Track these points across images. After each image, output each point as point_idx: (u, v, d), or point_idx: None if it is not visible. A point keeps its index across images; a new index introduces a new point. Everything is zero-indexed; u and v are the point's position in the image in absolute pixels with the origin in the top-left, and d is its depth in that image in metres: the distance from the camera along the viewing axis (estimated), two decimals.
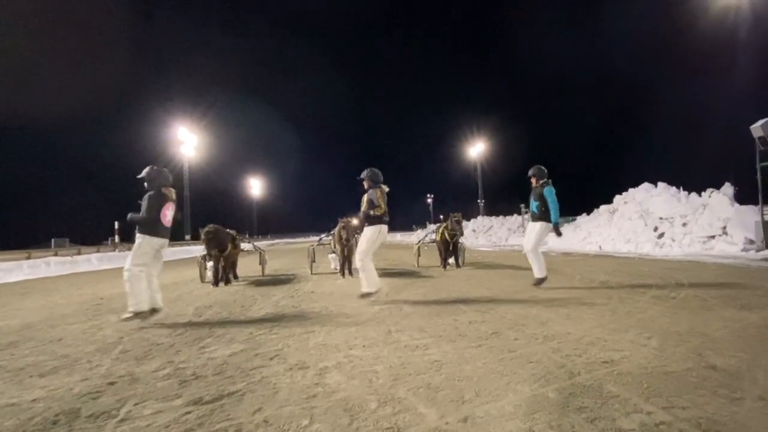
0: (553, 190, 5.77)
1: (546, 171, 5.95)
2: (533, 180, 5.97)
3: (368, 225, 5.25)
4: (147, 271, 4.27)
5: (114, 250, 19.79)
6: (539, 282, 5.79)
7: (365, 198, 5.31)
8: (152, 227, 4.30)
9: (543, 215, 5.78)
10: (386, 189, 5.37)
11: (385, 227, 5.26)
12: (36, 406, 2.23)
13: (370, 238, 5.18)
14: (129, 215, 4.36)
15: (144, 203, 4.32)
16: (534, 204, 5.86)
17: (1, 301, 6.52)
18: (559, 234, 5.76)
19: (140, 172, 4.47)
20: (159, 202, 4.35)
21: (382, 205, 5.19)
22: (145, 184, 4.44)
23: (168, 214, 4.46)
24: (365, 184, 5.41)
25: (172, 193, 4.55)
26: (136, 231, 4.32)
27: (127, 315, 4.18)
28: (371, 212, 5.19)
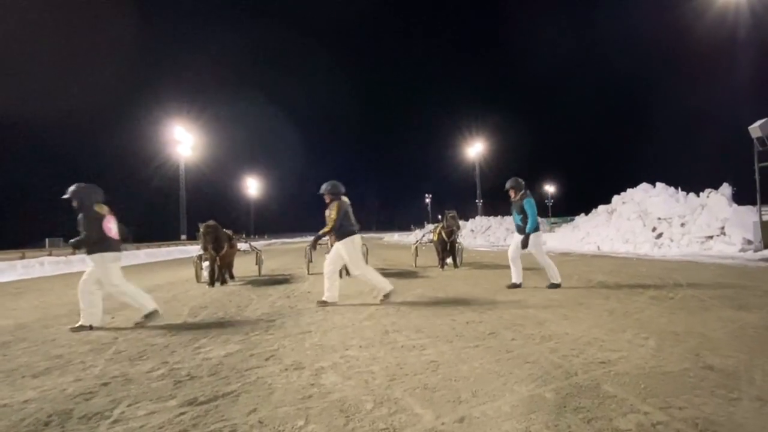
0: (533, 202, 5.68)
1: (523, 182, 5.87)
2: (512, 192, 5.84)
3: (338, 241, 5.03)
4: (99, 286, 4.18)
5: None
6: (513, 287, 5.78)
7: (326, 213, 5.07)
8: (101, 244, 4.13)
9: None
10: (347, 200, 5.13)
11: (357, 236, 5.10)
12: (28, 407, 2.20)
13: (350, 253, 4.97)
14: (71, 241, 4.16)
15: (81, 224, 4.09)
16: (518, 217, 5.77)
17: None
18: (525, 245, 5.63)
19: (72, 189, 4.19)
20: (97, 219, 4.14)
21: (331, 222, 4.92)
22: (74, 203, 4.16)
23: (112, 227, 4.25)
24: (326, 199, 5.12)
25: (104, 209, 4.27)
26: (87, 255, 4.15)
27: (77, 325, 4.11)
28: (320, 232, 5.04)
